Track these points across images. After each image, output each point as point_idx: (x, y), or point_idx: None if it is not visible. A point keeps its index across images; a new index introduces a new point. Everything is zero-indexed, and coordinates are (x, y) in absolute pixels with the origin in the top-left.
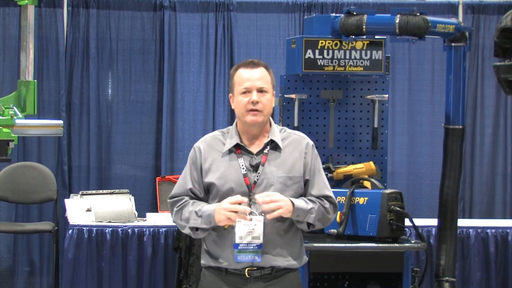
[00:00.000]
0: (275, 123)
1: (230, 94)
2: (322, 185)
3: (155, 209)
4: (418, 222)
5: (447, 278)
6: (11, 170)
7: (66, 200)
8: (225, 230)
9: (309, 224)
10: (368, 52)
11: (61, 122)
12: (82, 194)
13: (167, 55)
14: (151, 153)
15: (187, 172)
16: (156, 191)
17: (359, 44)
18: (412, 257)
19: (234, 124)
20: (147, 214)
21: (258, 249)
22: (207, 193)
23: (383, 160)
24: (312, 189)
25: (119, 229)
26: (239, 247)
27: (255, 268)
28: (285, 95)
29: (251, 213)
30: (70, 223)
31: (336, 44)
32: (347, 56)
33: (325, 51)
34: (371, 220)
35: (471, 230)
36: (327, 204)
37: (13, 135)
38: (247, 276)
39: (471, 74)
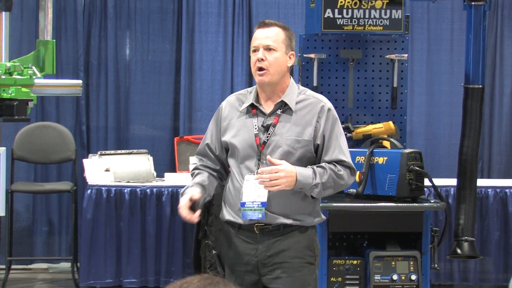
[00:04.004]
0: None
1: None
2: (337, 150)
3: (173, 169)
4: (437, 182)
5: (466, 237)
6: (29, 130)
7: (84, 160)
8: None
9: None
10: (388, 11)
11: (80, 82)
12: (101, 154)
13: (185, 14)
14: (169, 113)
15: (209, 128)
16: (175, 151)
17: (378, 3)
18: (431, 216)
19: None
20: (166, 174)
21: (262, 207)
22: (226, 151)
23: (402, 120)
24: (326, 155)
25: (138, 189)
26: (245, 205)
27: (263, 224)
28: (304, 55)
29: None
30: (89, 183)
31: (355, 3)
32: (367, 16)
33: (345, 10)
34: (390, 180)
35: (490, 190)
36: (341, 171)
37: (32, 95)
38: (256, 231)
39: (490, 33)
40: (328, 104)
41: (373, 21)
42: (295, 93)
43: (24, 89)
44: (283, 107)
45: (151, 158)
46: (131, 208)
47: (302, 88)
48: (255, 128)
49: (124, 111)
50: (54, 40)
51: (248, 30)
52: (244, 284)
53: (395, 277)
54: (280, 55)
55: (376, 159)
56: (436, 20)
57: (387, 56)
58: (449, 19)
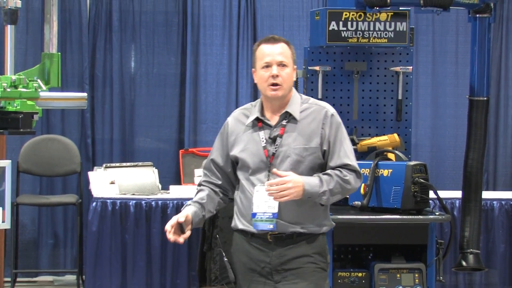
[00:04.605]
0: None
1: (253, 69)
2: (342, 154)
3: (178, 182)
4: (442, 194)
5: (471, 250)
6: (35, 143)
7: (89, 173)
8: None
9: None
10: (392, 23)
11: (85, 94)
12: (106, 167)
13: (190, 27)
14: (174, 125)
15: (215, 143)
16: (180, 163)
17: (383, 16)
18: (436, 229)
19: (261, 97)
20: (171, 186)
21: (273, 218)
22: (234, 165)
23: (407, 132)
24: (331, 160)
25: (143, 202)
26: (256, 216)
27: (276, 233)
28: (309, 67)
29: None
30: (94, 195)
31: (360, 16)
32: (371, 28)
33: (349, 23)
34: (395, 192)
35: (495, 202)
36: (347, 176)
37: (38, 108)
38: (269, 239)
39: (495, 46)
40: (331, 110)
41: (377, 34)
42: (298, 102)
43: (29, 102)
44: (288, 117)
45: (156, 170)
46: (136, 220)
47: (304, 97)
48: (263, 141)
49: (129, 124)
50: (59, 53)
51: (253, 42)
52: None
53: None
54: (291, 70)
55: (381, 171)
56: (441, 32)
57: (392, 68)
58: (454, 31)
